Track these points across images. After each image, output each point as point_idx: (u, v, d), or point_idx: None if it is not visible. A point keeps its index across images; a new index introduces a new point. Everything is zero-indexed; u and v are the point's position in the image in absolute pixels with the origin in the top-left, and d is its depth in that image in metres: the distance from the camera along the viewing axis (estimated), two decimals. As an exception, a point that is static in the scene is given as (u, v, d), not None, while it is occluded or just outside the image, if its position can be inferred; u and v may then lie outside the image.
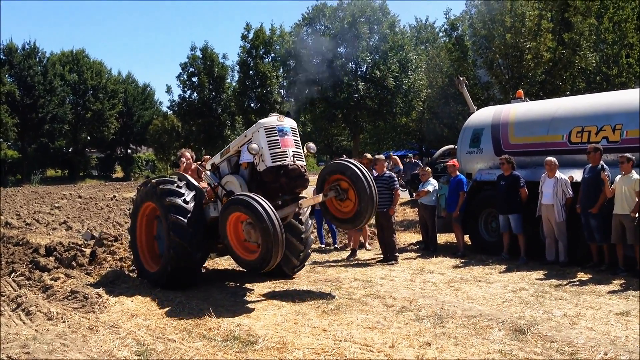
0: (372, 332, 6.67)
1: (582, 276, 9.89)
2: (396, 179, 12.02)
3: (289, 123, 9.07)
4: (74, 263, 10.53)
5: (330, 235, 14.08)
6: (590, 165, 10.42)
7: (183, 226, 8.70)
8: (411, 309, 7.82)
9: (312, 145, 9.47)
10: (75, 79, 59.86)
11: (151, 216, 9.76)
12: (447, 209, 12.96)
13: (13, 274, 9.67)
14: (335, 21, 24.67)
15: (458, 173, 12.76)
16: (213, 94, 37.12)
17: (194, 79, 38.28)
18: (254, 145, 8.62)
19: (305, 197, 9.17)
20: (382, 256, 11.96)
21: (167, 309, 7.78)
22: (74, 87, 59.99)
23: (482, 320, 7.21)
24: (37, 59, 58.50)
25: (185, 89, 38.82)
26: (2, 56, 56.75)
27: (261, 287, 9.27)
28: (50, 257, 11.01)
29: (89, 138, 65.19)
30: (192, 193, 9.17)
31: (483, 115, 13.68)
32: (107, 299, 8.17)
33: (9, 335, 6.51)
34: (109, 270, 10.08)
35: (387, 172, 12.09)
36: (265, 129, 8.80)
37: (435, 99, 34.73)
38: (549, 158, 10.95)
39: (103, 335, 6.64)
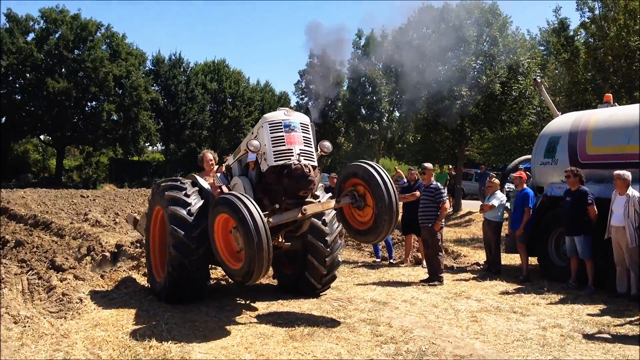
0: (318, 367, 5.77)
1: (647, 316, 8.18)
2: (443, 190, 10.80)
3: (297, 118, 8.07)
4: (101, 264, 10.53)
5: (386, 249, 13.05)
6: (667, 180, 8.65)
7: (183, 241, 8.01)
8: (399, 341, 6.76)
9: (327, 143, 8.42)
10: (215, 88, 62.66)
11: (164, 221, 8.94)
12: (511, 227, 11.52)
13: (30, 272, 9.79)
14: (441, 24, 23.31)
15: (525, 186, 11.26)
16: (328, 101, 37.00)
17: (312, 87, 38.43)
18: (255, 142, 7.81)
19: (313, 202, 8.01)
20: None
21: (134, 322, 7.32)
22: (213, 95, 62.81)
23: (468, 361, 6.03)
24: (182, 69, 62.15)
25: (303, 96, 39.15)
26: (150, 66, 61.04)
27: (261, 305, 8.53)
28: (87, 257, 11.15)
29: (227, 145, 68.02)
30: (201, 203, 8.44)
31: (562, 121, 12.01)
32: (86, 305, 7.90)
33: (-49, 337, 6.38)
34: (123, 273, 9.92)
35: (434, 182, 10.91)
36: (269, 124, 7.90)
37: (566, 106, 32.01)
38: (620, 171, 9.23)
39: (43, 345, 6.30)
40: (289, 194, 7.75)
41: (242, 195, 7.09)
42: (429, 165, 11.16)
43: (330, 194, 9.22)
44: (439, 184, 10.94)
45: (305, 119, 8.20)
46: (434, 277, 10.51)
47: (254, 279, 6.91)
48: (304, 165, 7.64)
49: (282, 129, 7.84)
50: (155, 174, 63.35)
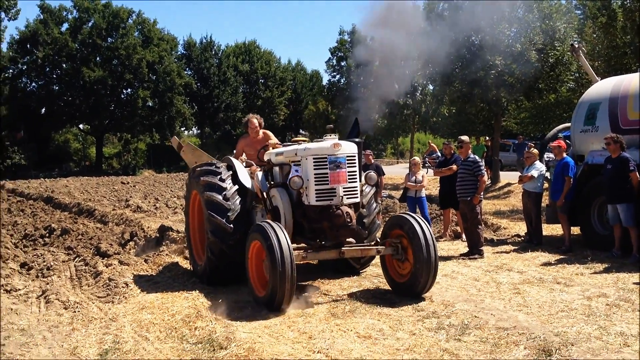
0: (360, 344, 5.79)
1: (696, 282, 8.01)
2: (481, 163, 10.67)
3: (346, 150, 7.65)
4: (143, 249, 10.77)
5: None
6: None
7: (221, 226, 8.09)
8: (440, 314, 6.77)
9: (373, 175, 8.31)
10: (247, 69, 62.80)
11: (201, 205, 8.93)
12: (551, 197, 11.35)
13: (77, 258, 10.06)
14: (473, -8, 22.82)
15: (565, 155, 11.07)
16: (361, 77, 36.62)
17: (343, 64, 38.18)
18: (297, 180, 7.51)
19: (353, 244, 7.76)
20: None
21: (179, 304, 7.44)
22: (245, 77, 62.97)
23: (512, 334, 6.00)
24: (213, 52, 62.37)
25: (335, 74, 38.83)
26: (182, 51, 61.35)
27: (302, 284, 8.49)
28: (131, 242, 11.41)
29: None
30: (235, 187, 8.43)
31: (602, 87, 11.72)
32: (132, 289, 8.07)
33: (6, 325, 6.59)
34: (166, 257, 10.11)
35: (472, 155, 10.77)
36: (314, 158, 7.55)
37: (605, 71, 31.12)
38: (662, 136, 9.02)
39: (92, 328, 6.48)
40: (328, 236, 7.65)
41: (277, 225, 7.05)
42: (465, 138, 10.99)
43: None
44: (476, 157, 10.81)
45: (353, 149, 7.80)
46: (474, 251, 10.44)
47: (276, 307, 6.85)
48: (346, 212, 7.42)
49: (327, 165, 7.53)
50: (192, 158, 64.03)
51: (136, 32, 54.87)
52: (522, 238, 12.09)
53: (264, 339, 5.99)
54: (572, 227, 11.18)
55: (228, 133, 67.13)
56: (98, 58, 52.30)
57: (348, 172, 7.64)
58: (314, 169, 7.55)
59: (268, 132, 9.63)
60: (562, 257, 10.15)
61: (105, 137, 60.67)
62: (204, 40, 62.03)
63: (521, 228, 13.24)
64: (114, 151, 64.64)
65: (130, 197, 22.67)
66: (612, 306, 6.98)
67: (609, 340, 5.75)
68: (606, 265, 9.27)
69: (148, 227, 13.67)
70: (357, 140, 8.04)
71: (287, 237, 6.91)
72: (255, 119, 9.58)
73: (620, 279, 8.38)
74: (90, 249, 10.90)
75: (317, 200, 7.53)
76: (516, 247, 11.24)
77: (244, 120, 9.69)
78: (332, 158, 7.54)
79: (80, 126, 58.60)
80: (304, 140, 8.59)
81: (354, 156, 7.77)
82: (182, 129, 61.64)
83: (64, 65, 51.36)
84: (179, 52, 60.50)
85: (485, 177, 10.82)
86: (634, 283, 8.11)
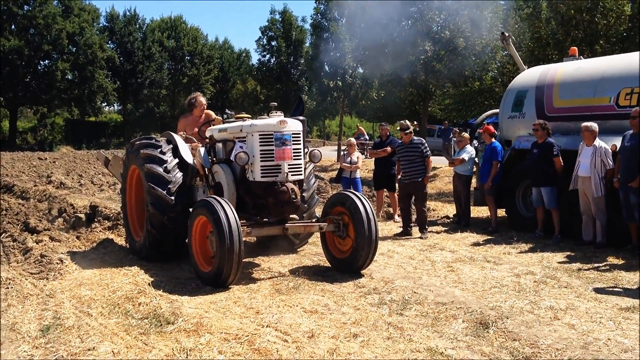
0: (308, 318, 5.90)
1: (613, 261, 8.60)
2: (426, 144, 10.94)
3: (291, 127, 7.71)
4: (75, 226, 10.45)
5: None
6: (631, 132, 8.95)
7: (161, 198, 8.03)
8: (381, 291, 6.96)
9: (317, 153, 8.32)
10: (172, 45, 61.26)
11: (140, 181, 8.91)
12: (479, 180, 11.82)
13: (3, 234, 9.67)
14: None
15: (493, 140, 11.52)
16: (291, 58, 36.62)
17: (273, 43, 37.93)
18: (242, 156, 7.48)
19: (296, 220, 7.93)
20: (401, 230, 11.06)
21: (118, 280, 7.33)
22: (171, 53, 61.42)
23: (450, 308, 6.26)
24: (137, 26, 60.40)
25: (265, 53, 38.57)
26: (105, 23, 59.16)
27: (254, 260, 8.64)
28: (59, 219, 11.05)
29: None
30: (176, 161, 8.41)
31: (529, 75, 12.24)
32: (67, 265, 7.86)
33: None
34: (99, 234, 9.88)
35: (416, 138, 11.01)
36: (260, 135, 7.57)
37: (527, 61, 32.35)
38: (587, 123, 9.55)
39: (29, 305, 6.30)
40: (272, 212, 7.72)
41: (223, 200, 7.07)
42: (407, 123, 11.16)
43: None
44: (421, 139, 11.07)
45: (298, 126, 7.87)
46: (424, 229, 10.73)
47: (223, 282, 6.90)
48: (291, 189, 7.53)
49: (272, 142, 7.57)
50: (114, 135, 62.13)
51: (55, 0, 52.44)
52: (451, 219, 12.54)
53: (211, 314, 6.00)
54: (497, 209, 11.69)
55: (151, 110, 65.49)
56: (13, 26, 49.63)
57: (293, 149, 7.73)
58: (260, 145, 7.58)
59: (209, 111, 9.57)
60: (489, 237, 10.61)
61: (19, 110, 57.86)
62: (128, 13, 60.00)
63: (449, 210, 13.73)
64: (28, 125, 61.80)
65: (52, 173, 21.85)
66: (539, 283, 7.39)
67: (540, 314, 6.11)
68: (531, 245, 9.76)
69: (75, 203, 13.26)
70: (301, 118, 8.12)
71: (234, 211, 6.92)
72: (202, 98, 9.56)
73: (544, 257, 8.87)
74: (17, 224, 10.49)
75: (262, 177, 7.57)
76: (446, 228, 11.65)
77: (190, 98, 9.56)
78: (278, 135, 7.59)
79: (-7, 98, 55.64)
80: (247, 117, 8.57)
81: (299, 134, 7.86)
82: (104, 104, 59.60)
83: (-25, 33, 48.53)
84: (101, 25, 58.24)
85: (430, 158, 11.07)
86: (558, 262, 8.60)
